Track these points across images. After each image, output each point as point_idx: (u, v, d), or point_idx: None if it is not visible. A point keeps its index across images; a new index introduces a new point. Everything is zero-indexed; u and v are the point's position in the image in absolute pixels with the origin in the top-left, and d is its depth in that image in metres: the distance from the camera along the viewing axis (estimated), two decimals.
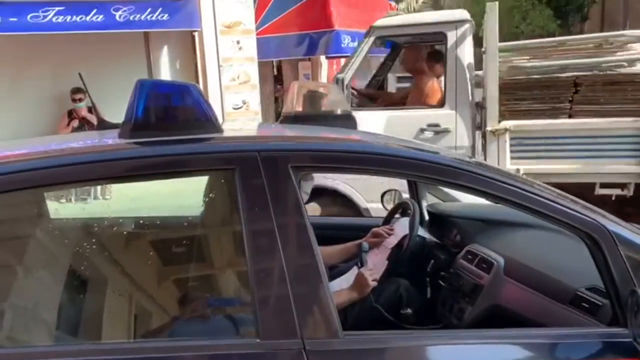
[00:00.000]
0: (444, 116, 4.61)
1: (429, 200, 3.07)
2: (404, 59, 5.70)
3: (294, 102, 2.14)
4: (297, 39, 8.30)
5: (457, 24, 4.69)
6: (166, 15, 6.33)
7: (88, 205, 2.13)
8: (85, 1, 5.88)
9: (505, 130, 4.51)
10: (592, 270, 1.67)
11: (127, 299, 1.63)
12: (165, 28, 6.51)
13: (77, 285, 1.62)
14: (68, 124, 6.46)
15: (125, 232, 1.80)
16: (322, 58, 10.08)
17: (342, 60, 10.69)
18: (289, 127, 2.06)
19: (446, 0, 23.72)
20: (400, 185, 3.13)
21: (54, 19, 5.92)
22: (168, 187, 1.53)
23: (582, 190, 3.72)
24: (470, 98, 4.71)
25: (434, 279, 2.51)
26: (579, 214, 1.63)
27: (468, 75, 4.68)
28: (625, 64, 4.60)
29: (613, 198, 4.41)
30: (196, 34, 7.24)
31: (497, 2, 4.60)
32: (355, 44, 8.66)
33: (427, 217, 2.89)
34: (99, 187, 2.20)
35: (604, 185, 4.47)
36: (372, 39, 4.90)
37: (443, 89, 4.80)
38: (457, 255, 2.50)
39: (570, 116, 4.53)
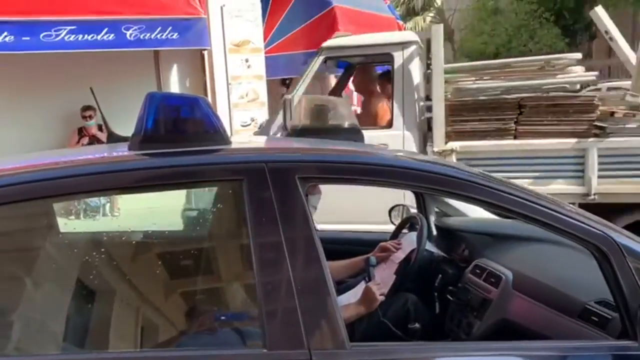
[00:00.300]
0: (392, 137, 4.55)
1: (437, 214, 3.07)
2: (354, 79, 5.69)
3: (301, 116, 2.16)
4: (305, 57, 8.36)
5: (404, 45, 4.70)
6: (176, 34, 6.41)
7: (97, 219, 2.15)
8: (96, 20, 5.97)
9: (452, 151, 4.49)
10: (601, 283, 1.66)
11: (134, 311, 1.64)
12: (175, 47, 6.59)
13: (86, 296, 1.63)
14: (78, 141, 6.54)
15: (133, 245, 1.81)
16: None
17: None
18: (296, 140, 2.07)
19: (454, 20, 23.87)
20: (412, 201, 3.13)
21: (65, 38, 6.02)
22: (177, 198, 1.54)
23: None
24: (417, 119, 4.70)
25: (442, 293, 2.50)
26: (586, 226, 1.62)
27: (416, 96, 4.67)
28: (567, 86, 4.64)
29: None
30: (205, 52, 7.33)
31: (442, 25, 4.76)
32: None
33: (435, 232, 2.89)
34: (107, 204, 2.22)
35: None
36: (320, 59, 4.93)
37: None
38: (465, 269, 2.49)
39: (515, 137, 4.54)
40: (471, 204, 1.73)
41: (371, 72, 5.38)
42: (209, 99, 7.63)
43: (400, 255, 2.60)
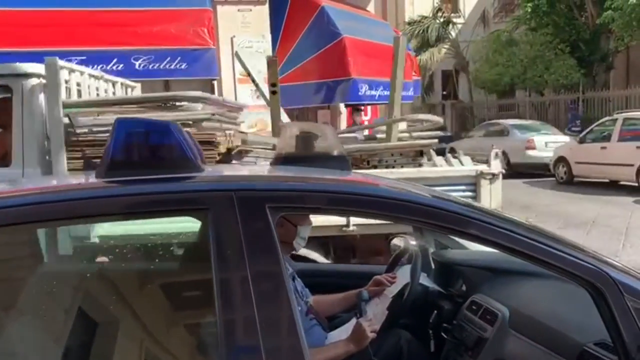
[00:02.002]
0: (10, 175, 4.02)
1: (436, 246, 2.96)
2: None
3: (286, 144, 2.09)
4: (315, 87, 8.40)
5: (23, 77, 4.21)
6: (185, 64, 6.48)
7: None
8: (106, 50, 6.06)
9: None
10: (602, 323, 1.54)
11: (80, 347, 1.54)
12: (184, 77, 6.66)
13: (34, 329, 1.55)
14: None
15: (85, 277, 1.72)
16: (341, 106, 10.18)
17: (362, 108, 10.85)
18: (276, 168, 2.00)
19: (469, 51, 23.94)
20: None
21: None
22: (141, 229, 1.46)
23: None
24: (41, 155, 4.23)
25: (437, 330, 2.37)
26: (578, 260, 1.51)
27: (39, 131, 4.21)
28: (190, 122, 4.29)
29: None
30: (215, 81, 7.40)
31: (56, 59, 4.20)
32: (374, 92, 8.77)
33: (432, 265, 2.77)
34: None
35: None
36: None
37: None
38: (461, 305, 2.37)
39: None
40: (455, 236, 1.63)
41: None
42: None
43: (394, 290, 2.49)
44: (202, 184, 1.52)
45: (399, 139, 5.21)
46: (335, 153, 2.12)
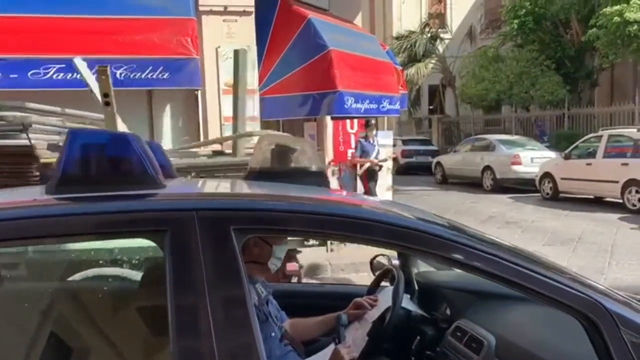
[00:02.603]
0: None
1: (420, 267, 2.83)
2: None
3: (262, 158, 1.96)
4: (301, 100, 8.29)
5: None
6: (167, 74, 6.31)
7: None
8: (85, 59, 5.87)
9: None
10: (593, 353, 1.42)
11: None
12: (166, 87, 6.49)
13: None
14: None
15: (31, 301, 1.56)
16: (328, 118, 10.08)
17: (348, 121, 10.76)
18: (248, 184, 1.86)
19: (456, 66, 24.06)
20: None
21: (54, 76, 5.93)
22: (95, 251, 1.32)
23: None
24: None
25: (419, 357, 2.24)
26: (570, 289, 1.39)
27: None
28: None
29: None
30: (199, 92, 7.25)
31: None
32: (360, 105, 8.68)
33: (416, 287, 2.64)
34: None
35: None
36: None
37: None
38: (445, 331, 2.24)
39: None
40: (436, 262, 1.50)
41: None
42: (202, 139, 7.53)
43: (375, 314, 2.35)
44: (160, 202, 1.38)
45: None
46: (313, 168, 2.00)
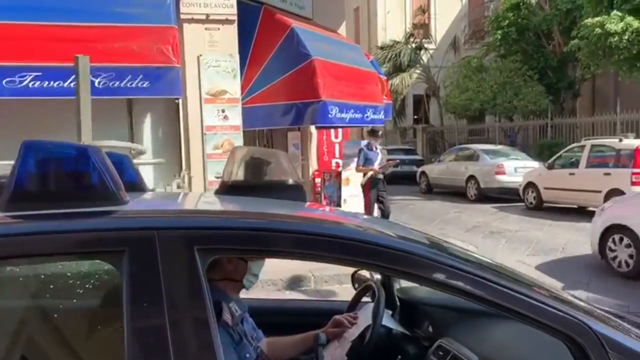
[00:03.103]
0: None
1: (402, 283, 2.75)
2: None
3: (234, 170, 1.86)
4: (284, 109, 8.22)
5: None
6: (147, 82, 6.20)
7: None
8: (63, 67, 5.74)
9: None
10: None
11: None
12: (146, 95, 6.38)
13: None
14: None
15: None
16: (312, 128, 10.01)
17: (332, 130, 10.70)
18: (218, 199, 1.77)
19: (440, 76, 24.19)
20: None
21: (30, 85, 5.80)
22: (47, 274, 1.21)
23: None
24: None
25: None
26: (555, 311, 1.32)
27: None
28: None
29: None
30: (180, 101, 7.14)
31: None
32: (344, 114, 8.63)
33: (398, 304, 2.56)
34: None
35: None
36: None
37: None
38: (427, 349, 2.16)
39: None
40: (417, 283, 1.42)
41: None
42: (183, 148, 7.41)
43: (355, 332, 2.26)
44: (118, 220, 1.28)
45: None
46: (290, 182, 1.91)
